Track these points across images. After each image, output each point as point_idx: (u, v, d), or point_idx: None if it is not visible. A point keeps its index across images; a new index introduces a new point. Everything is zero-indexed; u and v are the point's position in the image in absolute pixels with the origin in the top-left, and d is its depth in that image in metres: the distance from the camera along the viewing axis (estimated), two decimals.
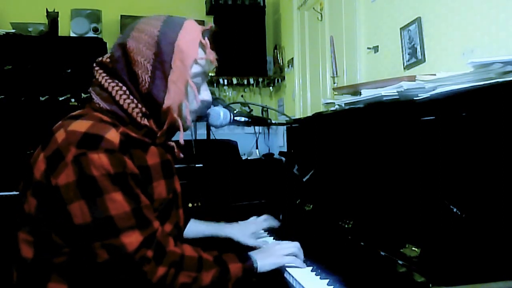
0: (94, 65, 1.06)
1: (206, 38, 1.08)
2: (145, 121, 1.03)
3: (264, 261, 1.11)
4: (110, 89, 1.01)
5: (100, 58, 1.07)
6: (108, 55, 1.06)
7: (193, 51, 1.04)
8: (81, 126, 0.94)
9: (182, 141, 1.09)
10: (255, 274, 1.09)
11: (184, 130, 1.09)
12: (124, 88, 1.02)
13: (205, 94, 1.12)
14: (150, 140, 1.05)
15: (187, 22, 1.07)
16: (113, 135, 0.94)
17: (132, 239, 0.92)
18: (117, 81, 1.02)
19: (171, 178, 1.13)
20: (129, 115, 1.01)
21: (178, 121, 1.05)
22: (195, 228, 1.41)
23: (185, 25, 1.05)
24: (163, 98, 1.01)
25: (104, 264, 0.92)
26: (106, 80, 1.03)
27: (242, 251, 1.15)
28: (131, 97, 1.01)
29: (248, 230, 1.43)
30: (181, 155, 1.16)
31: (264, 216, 1.52)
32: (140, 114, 1.02)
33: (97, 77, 1.04)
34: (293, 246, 1.19)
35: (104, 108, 1.01)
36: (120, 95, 1.01)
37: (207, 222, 1.44)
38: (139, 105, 1.02)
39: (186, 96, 1.05)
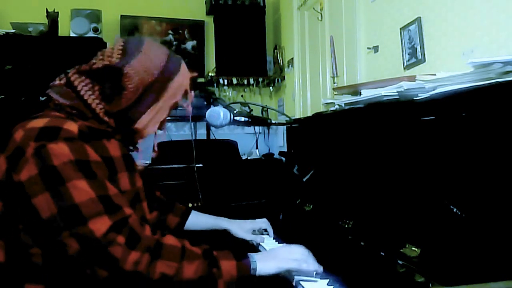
0: (74, 71, 1.08)
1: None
2: (107, 119, 1.05)
3: (265, 263, 1.03)
4: (76, 83, 1.04)
5: (86, 66, 1.08)
6: (101, 58, 1.07)
7: (179, 95, 1.16)
8: (38, 123, 0.96)
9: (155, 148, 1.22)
10: (254, 276, 1.00)
11: (141, 137, 1.16)
12: (96, 88, 1.04)
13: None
14: (111, 132, 1.08)
15: (183, 66, 1.16)
16: (71, 126, 0.96)
17: (99, 225, 0.89)
18: (90, 80, 1.05)
19: (133, 172, 1.13)
20: (92, 110, 1.03)
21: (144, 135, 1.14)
22: (196, 219, 1.43)
23: (182, 70, 1.15)
24: (137, 119, 1.08)
25: (76, 255, 0.89)
26: (76, 78, 1.05)
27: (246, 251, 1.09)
28: (97, 93, 1.04)
29: (245, 226, 1.46)
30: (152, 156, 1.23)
31: (263, 219, 1.52)
32: (103, 110, 1.04)
33: (63, 76, 1.07)
34: (302, 252, 1.10)
35: (63, 104, 1.03)
36: (86, 91, 1.04)
37: (206, 215, 1.46)
38: (103, 103, 1.04)
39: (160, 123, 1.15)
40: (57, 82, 1.08)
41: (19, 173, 0.90)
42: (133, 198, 1.10)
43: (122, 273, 0.90)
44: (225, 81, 3.52)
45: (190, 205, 2.38)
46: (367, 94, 1.44)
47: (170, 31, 3.57)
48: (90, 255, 0.90)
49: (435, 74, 1.20)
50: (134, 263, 0.90)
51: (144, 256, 0.91)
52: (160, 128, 1.17)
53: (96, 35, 3.19)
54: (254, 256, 1.03)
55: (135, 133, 1.11)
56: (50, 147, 0.91)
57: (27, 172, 0.90)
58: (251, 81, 3.60)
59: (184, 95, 1.17)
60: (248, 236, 1.43)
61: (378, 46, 2.12)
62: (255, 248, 1.43)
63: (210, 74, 3.57)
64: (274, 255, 1.08)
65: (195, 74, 1.24)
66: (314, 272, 1.08)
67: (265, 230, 1.51)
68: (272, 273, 1.04)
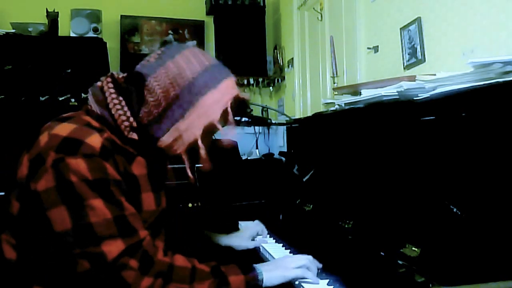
0: (108, 74, 1.03)
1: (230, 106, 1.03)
2: (133, 135, 0.99)
3: (271, 273, 1.04)
4: (107, 94, 0.99)
5: (116, 73, 1.03)
6: (125, 74, 1.02)
7: (214, 114, 0.99)
8: (63, 129, 0.92)
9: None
10: (261, 287, 1.02)
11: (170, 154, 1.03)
12: (121, 99, 0.99)
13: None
14: (136, 152, 1.02)
15: (226, 83, 1.02)
16: (94, 140, 0.91)
17: (112, 248, 0.88)
18: (117, 90, 1.00)
19: (159, 193, 1.09)
20: (117, 126, 0.98)
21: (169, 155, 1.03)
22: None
23: (221, 86, 1.01)
24: (159, 136, 0.99)
25: (86, 274, 0.88)
26: (108, 85, 1.01)
27: (249, 262, 1.09)
28: (125, 108, 0.98)
29: (244, 235, 1.45)
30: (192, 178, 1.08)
31: (256, 221, 1.54)
32: (128, 128, 0.98)
33: (102, 80, 1.03)
34: (305, 259, 1.11)
35: (94, 112, 0.99)
36: (114, 104, 0.98)
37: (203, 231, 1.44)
38: (131, 119, 0.98)
39: (191, 145, 1.01)
40: (99, 82, 1.02)
41: (37, 182, 0.89)
42: (158, 219, 1.07)
43: None
44: None
45: (190, 205, 2.38)
46: (367, 94, 1.44)
47: (170, 31, 3.57)
48: (100, 277, 0.89)
49: (435, 74, 1.20)
50: None
51: (156, 282, 0.91)
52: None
53: (96, 35, 3.19)
54: (260, 268, 1.05)
55: (162, 151, 1.01)
56: (68, 162, 0.87)
57: (44, 182, 0.88)
58: (251, 81, 3.60)
59: (223, 116, 1.01)
60: (251, 244, 1.44)
61: (378, 46, 2.12)
62: (257, 252, 1.44)
63: None
64: (279, 265, 1.09)
65: (245, 95, 1.09)
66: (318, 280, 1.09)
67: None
68: (278, 283, 1.05)
